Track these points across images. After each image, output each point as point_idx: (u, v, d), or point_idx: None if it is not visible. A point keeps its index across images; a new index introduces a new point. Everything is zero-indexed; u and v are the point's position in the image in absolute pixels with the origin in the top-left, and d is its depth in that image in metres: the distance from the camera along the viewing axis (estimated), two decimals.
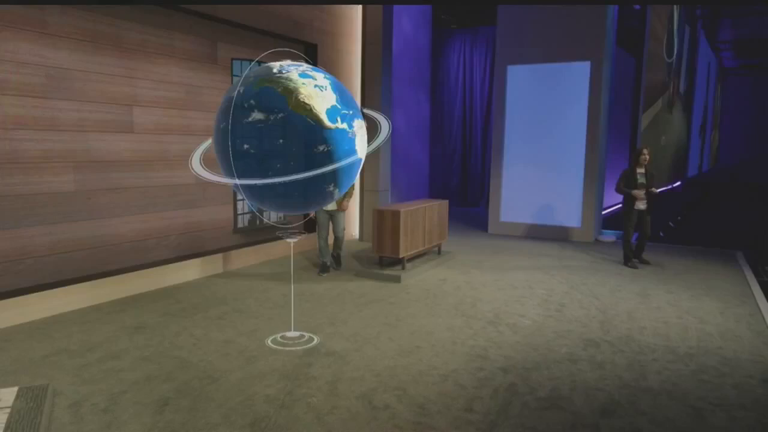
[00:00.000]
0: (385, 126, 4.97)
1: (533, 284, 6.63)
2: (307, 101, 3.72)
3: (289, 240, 4.82)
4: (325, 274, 6.90)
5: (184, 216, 6.64)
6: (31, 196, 5.07)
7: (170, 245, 6.51)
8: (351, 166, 4.06)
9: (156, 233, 6.33)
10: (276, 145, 3.70)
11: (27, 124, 5.00)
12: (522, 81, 10.07)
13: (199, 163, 4.57)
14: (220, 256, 6.96)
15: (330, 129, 3.79)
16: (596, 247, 9.22)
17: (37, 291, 5.04)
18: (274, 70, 3.88)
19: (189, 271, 6.51)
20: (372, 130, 4.53)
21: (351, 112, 3.99)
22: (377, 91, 9.13)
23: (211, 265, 6.83)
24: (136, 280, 5.87)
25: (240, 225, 7.50)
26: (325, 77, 3.99)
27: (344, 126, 3.90)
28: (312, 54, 8.43)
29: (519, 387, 3.83)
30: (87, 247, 5.58)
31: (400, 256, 6.78)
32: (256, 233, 7.76)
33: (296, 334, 4.76)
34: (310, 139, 3.73)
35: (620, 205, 8.06)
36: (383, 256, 7.02)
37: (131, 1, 5.77)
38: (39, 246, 5.17)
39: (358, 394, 3.66)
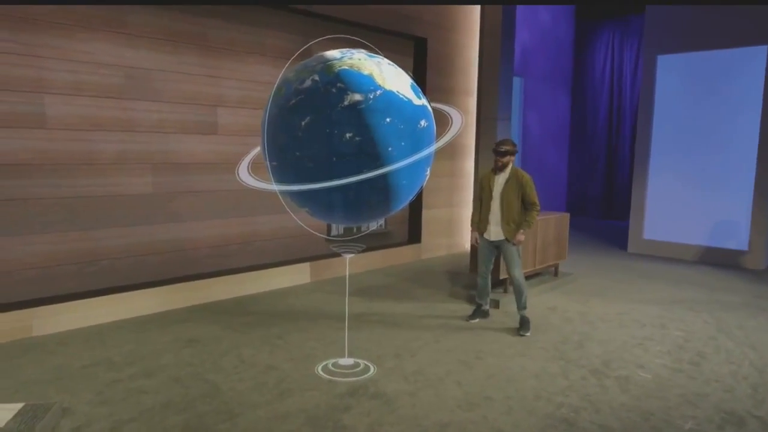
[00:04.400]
0: (457, 119, 4.17)
1: (668, 323, 5.28)
2: (392, 78, 3.35)
3: (345, 255, 4.19)
4: (475, 320, 5.22)
5: (271, 221, 6.32)
6: (107, 197, 5.03)
7: (254, 252, 6.23)
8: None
9: (239, 239, 6.08)
10: (383, 125, 3.19)
11: (104, 125, 4.96)
12: (675, 73, 8.44)
13: (247, 171, 4.15)
14: (307, 265, 6.55)
15: (419, 105, 3.45)
16: None
17: (108, 294, 4.97)
18: (339, 55, 3.37)
19: (272, 280, 6.17)
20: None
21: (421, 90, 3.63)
22: (494, 90, 8.17)
23: (298, 274, 6.45)
24: (212, 287, 5.64)
25: (334, 232, 7.06)
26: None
27: (425, 103, 3.55)
28: (421, 49, 7.76)
29: None
30: (164, 251, 5.45)
31: (500, 278, 5.83)
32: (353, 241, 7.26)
33: (350, 361, 4.13)
34: (412, 115, 3.36)
35: None
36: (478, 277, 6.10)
37: (223, 1, 5.57)
38: (113, 248, 5.11)
39: None
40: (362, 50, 3.58)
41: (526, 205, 4.91)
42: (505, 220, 4.91)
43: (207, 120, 5.66)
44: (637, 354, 4.46)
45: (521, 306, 4.98)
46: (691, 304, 5.95)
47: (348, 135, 3.16)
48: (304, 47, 4.22)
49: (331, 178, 3.23)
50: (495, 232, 4.99)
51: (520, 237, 4.93)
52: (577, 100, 13.19)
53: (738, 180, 7.93)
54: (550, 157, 12.69)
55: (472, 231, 5.24)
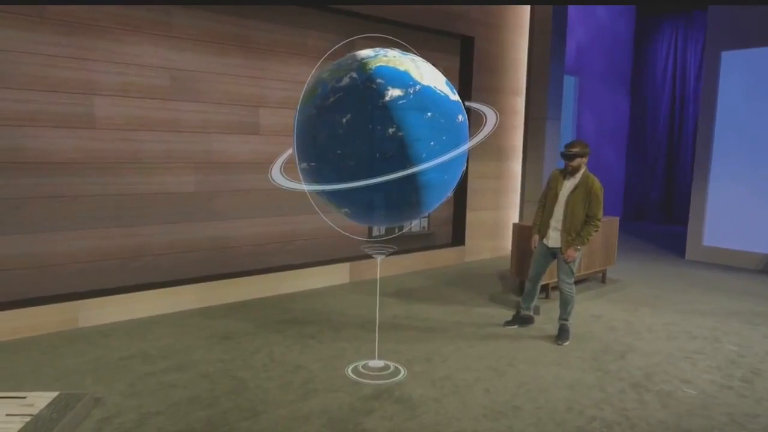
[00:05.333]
0: (491, 117, 4.06)
1: (721, 336, 4.96)
2: (428, 73, 3.34)
3: (377, 256, 4.15)
4: (512, 327, 5.02)
5: (312, 221, 6.34)
6: (151, 195, 5.19)
7: (295, 251, 6.29)
8: None
9: (280, 238, 6.15)
10: (425, 120, 3.20)
11: (150, 126, 5.12)
12: (740, 70, 7.94)
13: (280, 173, 4.19)
14: (347, 265, 6.56)
15: (455, 100, 3.43)
16: None
17: (151, 289, 5.13)
18: (372, 54, 3.36)
19: (311, 280, 6.22)
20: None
21: None
22: (543, 89, 7.94)
23: (337, 274, 6.46)
24: (252, 285, 5.73)
25: (375, 233, 7.04)
26: None
27: (459, 98, 3.50)
28: (467, 48, 7.63)
29: None
30: (205, 248, 5.58)
31: (543, 283, 5.62)
32: (395, 242, 7.21)
33: (380, 364, 4.09)
34: (450, 110, 3.35)
35: None
36: (524, 281, 5.92)
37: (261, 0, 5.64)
38: (157, 245, 5.27)
39: None
40: (395, 49, 3.55)
41: (586, 217, 4.57)
42: (566, 228, 4.59)
43: (249, 120, 5.75)
44: (683, 368, 4.20)
45: (564, 316, 4.76)
46: (750, 316, 5.57)
47: (390, 130, 3.13)
48: (335, 47, 4.20)
49: (373, 176, 3.18)
50: (554, 237, 4.71)
51: (571, 254, 4.58)
52: (636, 100, 12.65)
53: None
54: (606, 158, 12.23)
55: (532, 234, 4.95)
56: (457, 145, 3.37)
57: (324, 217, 4.11)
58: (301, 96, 3.51)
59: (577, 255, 4.63)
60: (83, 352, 4.19)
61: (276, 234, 6.12)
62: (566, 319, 4.75)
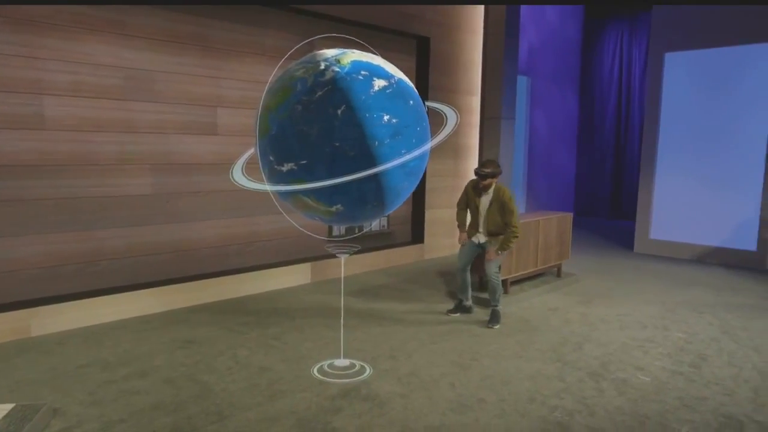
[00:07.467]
0: (452, 118, 4.15)
1: (670, 324, 5.21)
2: (395, 68, 3.48)
3: (340, 255, 4.17)
4: (455, 315, 5.33)
5: (272, 222, 6.32)
6: (106, 198, 5.05)
7: (255, 252, 6.23)
8: None
9: (240, 239, 6.08)
10: (408, 107, 3.34)
11: (104, 126, 4.98)
12: (683, 71, 8.32)
13: (242, 173, 4.15)
14: (308, 265, 6.55)
15: (417, 93, 3.57)
16: None
17: (108, 294, 4.99)
18: (339, 51, 3.39)
19: (273, 281, 6.17)
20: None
21: None
22: (498, 89, 8.11)
23: (298, 275, 6.44)
24: (213, 287, 5.65)
25: (336, 232, 7.04)
26: None
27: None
28: (424, 48, 7.72)
29: None
30: (164, 252, 5.47)
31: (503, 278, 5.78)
32: (355, 242, 7.23)
33: (346, 362, 4.12)
34: (420, 101, 3.51)
35: None
36: (482, 277, 6.06)
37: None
38: (114, 248, 5.13)
39: None
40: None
41: (505, 225, 4.98)
42: (493, 234, 5.10)
43: (207, 120, 5.66)
44: (636, 356, 4.39)
45: (494, 302, 5.16)
46: (696, 305, 5.86)
47: (386, 118, 3.19)
48: (297, 46, 4.20)
49: (371, 165, 3.16)
50: (483, 238, 5.17)
51: (492, 255, 5.04)
52: (585, 99, 13.06)
53: (747, 179, 7.80)
54: (558, 157, 12.58)
55: (460, 232, 5.33)
56: (429, 133, 3.52)
57: (288, 218, 4.10)
58: (268, 98, 3.39)
59: (496, 256, 5.06)
60: (38, 362, 4.04)
61: (236, 235, 6.04)
62: (496, 305, 5.15)
